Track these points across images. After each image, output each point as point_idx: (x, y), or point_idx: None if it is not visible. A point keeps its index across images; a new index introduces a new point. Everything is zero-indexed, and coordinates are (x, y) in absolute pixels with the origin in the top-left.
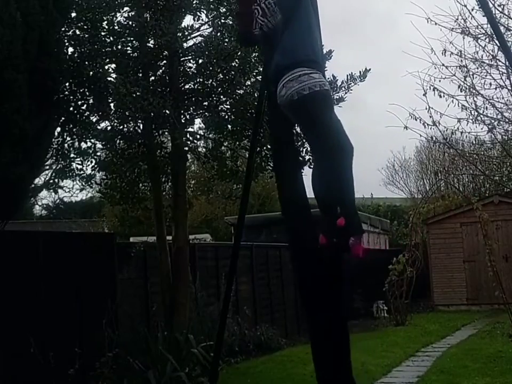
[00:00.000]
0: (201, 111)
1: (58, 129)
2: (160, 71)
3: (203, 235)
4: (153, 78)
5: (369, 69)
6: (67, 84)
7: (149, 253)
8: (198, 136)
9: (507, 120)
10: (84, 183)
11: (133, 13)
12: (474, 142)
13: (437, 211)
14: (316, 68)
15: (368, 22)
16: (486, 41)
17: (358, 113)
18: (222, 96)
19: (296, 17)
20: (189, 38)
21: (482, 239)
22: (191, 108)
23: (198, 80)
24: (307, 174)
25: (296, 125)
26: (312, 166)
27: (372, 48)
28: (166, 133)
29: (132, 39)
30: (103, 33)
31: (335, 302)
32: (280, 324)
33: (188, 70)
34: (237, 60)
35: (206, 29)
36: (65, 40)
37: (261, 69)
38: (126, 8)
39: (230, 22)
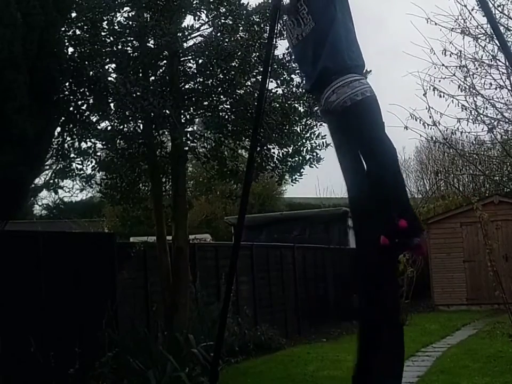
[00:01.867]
0: (201, 111)
1: (58, 129)
2: (160, 71)
3: (203, 235)
4: (153, 78)
5: (370, 70)
6: (67, 84)
7: (149, 253)
8: (198, 136)
9: (507, 120)
10: (84, 183)
11: (133, 13)
12: (474, 142)
13: (437, 211)
14: (362, 73)
15: (358, 22)
16: (486, 41)
17: None
18: (222, 96)
19: (337, 21)
20: (189, 38)
21: (482, 239)
22: (191, 108)
23: (198, 80)
24: (307, 173)
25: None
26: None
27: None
28: (166, 133)
29: (132, 39)
30: (103, 33)
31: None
32: (280, 323)
33: (188, 70)
34: (237, 60)
35: (206, 29)
36: (65, 40)
37: (261, 69)
38: (126, 8)
39: (230, 22)
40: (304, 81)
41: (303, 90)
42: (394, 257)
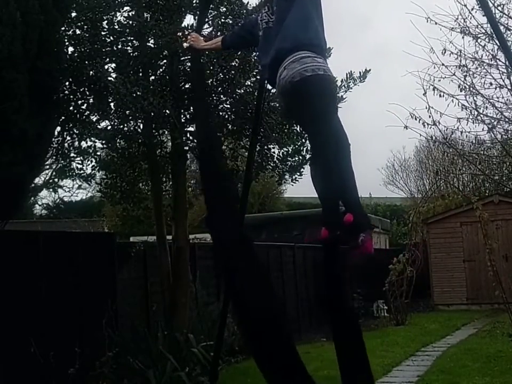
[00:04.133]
0: None
1: (58, 128)
2: (160, 70)
3: (203, 234)
4: (153, 77)
5: (369, 70)
6: (67, 83)
7: (149, 252)
8: None
9: (507, 119)
10: (85, 183)
11: (133, 13)
12: (474, 142)
13: (437, 210)
14: (320, 53)
15: (344, 22)
16: (486, 41)
17: (346, 114)
18: (222, 96)
19: (297, 4)
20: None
21: (482, 238)
22: (191, 108)
23: None
24: (307, 172)
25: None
26: (310, 159)
27: (349, 48)
28: (166, 133)
29: (132, 38)
30: (103, 33)
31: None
32: None
33: (188, 69)
34: (237, 60)
35: (206, 28)
36: (65, 40)
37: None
38: (126, 8)
39: (230, 22)
40: (262, 70)
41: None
42: (339, 252)
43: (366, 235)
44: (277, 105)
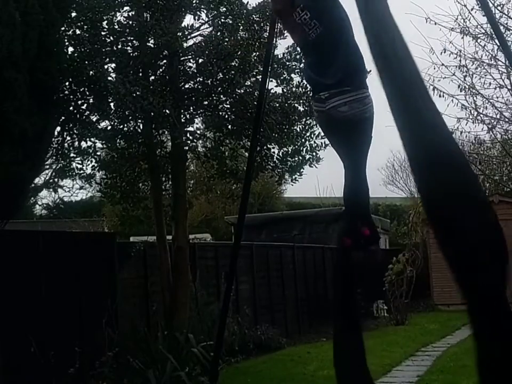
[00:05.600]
0: (201, 110)
1: (58, 128)
2: (160, 70)
3: (203, 234)
4: (153, 77)
5: (370, 70)
6: (67, 83)
7: (149, 252)
8: (198, 136)
9: (507, 119)
10: (86, 183)
11: (133, 13)
12: (474, 142)
13: None
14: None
15: None
16: (485, 41)
17: None
18: (221, 96)
19: (348, 31)
20: (188, 37)
21: None
22: (191, 107)
23: (197, 79)
24: (307, 173)
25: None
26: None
27: None
28: (166, 132)
29: (131, 38)
30: (103, 33)
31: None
32: (280, 323)
33: (188, 69)
34: (236, 60)
35: (206, 28)
36: (65, 40)
37: (261, 69)
38: (126, 8)
39: (230, 22)
40: (308, 78)
41: (303, 90)
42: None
43: (375, 247)
44: (277, 105)
